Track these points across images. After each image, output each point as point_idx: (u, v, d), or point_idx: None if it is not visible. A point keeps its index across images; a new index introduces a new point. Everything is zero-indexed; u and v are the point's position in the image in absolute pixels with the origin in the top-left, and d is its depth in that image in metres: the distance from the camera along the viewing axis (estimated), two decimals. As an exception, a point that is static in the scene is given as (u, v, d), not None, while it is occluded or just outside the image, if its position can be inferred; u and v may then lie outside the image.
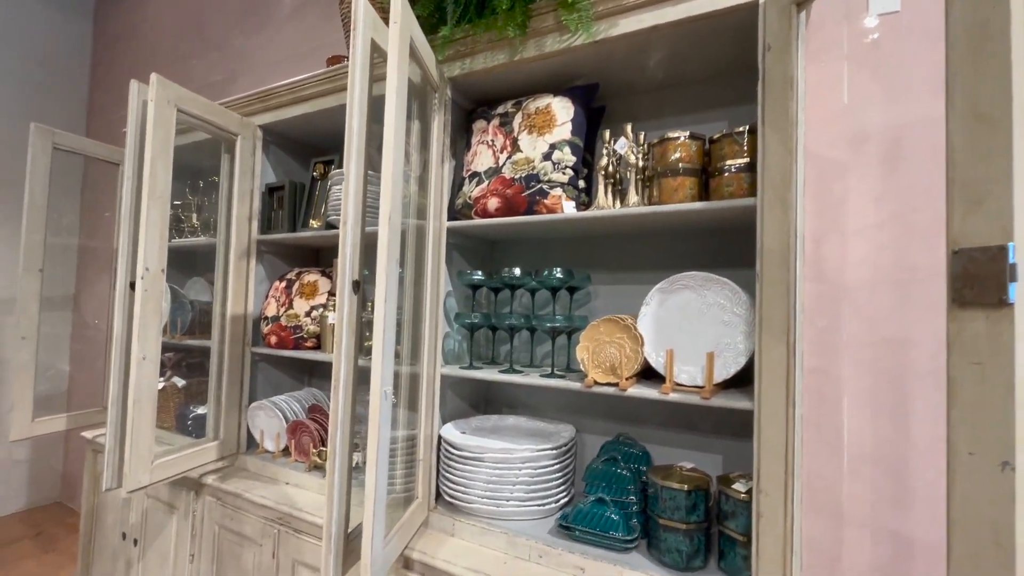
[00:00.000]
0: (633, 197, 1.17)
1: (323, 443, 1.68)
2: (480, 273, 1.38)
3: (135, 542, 1.87)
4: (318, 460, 1.61)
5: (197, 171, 2.16)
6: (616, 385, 1.12)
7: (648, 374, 1.25)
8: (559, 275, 1.26)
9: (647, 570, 1.06)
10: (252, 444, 1.81)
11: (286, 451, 1.76)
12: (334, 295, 1.78)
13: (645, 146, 1.20)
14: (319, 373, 2.07)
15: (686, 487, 1.06)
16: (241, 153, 1.75)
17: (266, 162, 1.87)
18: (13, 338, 1.88)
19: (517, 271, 1.33)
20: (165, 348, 2.25)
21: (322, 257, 2.09)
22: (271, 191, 1.85)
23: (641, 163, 1.19)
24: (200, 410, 1.97)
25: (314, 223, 1.75)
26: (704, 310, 1.12)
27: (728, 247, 1.28)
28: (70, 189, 2.96)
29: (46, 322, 3.00)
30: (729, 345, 1.07)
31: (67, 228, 2.75)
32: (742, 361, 1.05)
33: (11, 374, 1.84)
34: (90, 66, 3.47)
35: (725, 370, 1.06)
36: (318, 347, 1.76)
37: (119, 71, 3.25)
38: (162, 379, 2.10)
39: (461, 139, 1.48)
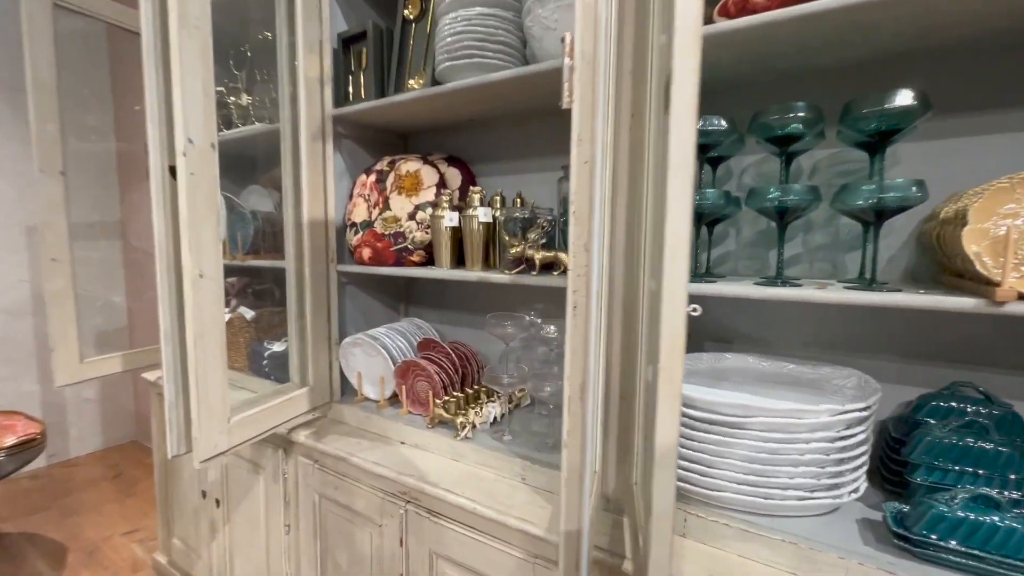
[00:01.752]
0: None
1: (446, 391, 1.24)
2: (721, 121, 0.82)
3: (217, 502, 1.55)
4: (444, 414, 1.17)
5: (240, 36, 1.63)
6: (1078, 299, 0.58)
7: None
8: (906, 102, 0.69)
9: None
10: (346, 389, 1.41)
11: (392, 399, 1.34)
12: (444, 188, 1.27)
13: None
14: (418, 298, 1.62)
15: None
16: (302, -18, 1.20)
17: (334, 4, 1.31)
18: (44, 262, 1.49)
19: (800, 110, 0.76)
20: (226, 271, 1.86)
21: (411, 145, 1.57)
22: (346, 45, 1.31)
23: None
24: (276, 347, 1.58)
25: (413, 83, 1.21)
26: None
27: None
28: (97, 83, 2.47)
29: (95, 249, 2.68)
30: None
31: (97, 129, 2.30)
32: None
33: (46, 307, 1.47)
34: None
35: None
36: (427, 262, 1.28)
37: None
38: (226, 310, 1.71)
39: None
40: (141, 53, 1.01)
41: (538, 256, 1.02)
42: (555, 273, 1.02)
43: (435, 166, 1.31)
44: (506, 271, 1.06)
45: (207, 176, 0.96)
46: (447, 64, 1.09)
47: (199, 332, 0.97)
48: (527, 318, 1.15)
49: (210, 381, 0.99)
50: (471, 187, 1.23)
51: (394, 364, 1.29)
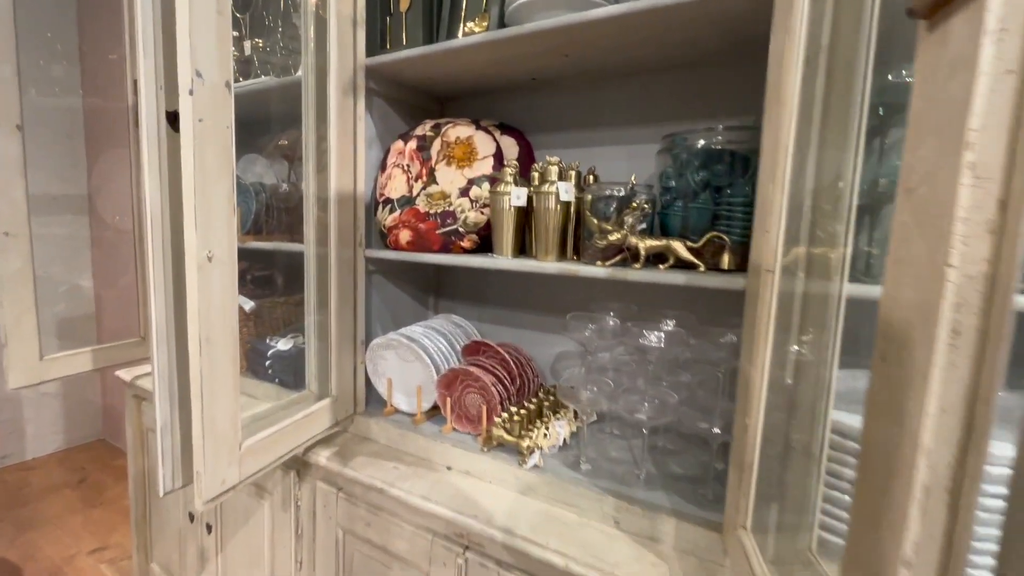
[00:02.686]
0: None
1: (502, 405, 1.02)
2: None
3: (208, 528, 1.31)
4: (506, 436, 0.95)
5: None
6: None
7: None
8: None
9: None
10: (370, 398, 1.18)
11: (431, 412, 1.12)
12: (501, 159, 1.05)
13: None
14: (450, 291, 1.39)
15: None
16: None
17: (369, -71, 1.06)
18: (-4, 237, 1.21)
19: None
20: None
21: (450, 111, 1.33)
22: (383, -21, 1.07)
23: None
24: (280, 345, 1.34)
25: (473, 26, 0.98)
26: None
27: None
28: (62, 29, 2.13)
29: (57, 225, 2.35)
30: None
31: (62, 83, 1.97)
32: None
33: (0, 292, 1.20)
34: None
35: None
36: (479, 248, 1.06)
37: None
38: (220, 300, 1.45)
39: None
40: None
41: (643, 244, 0.81)
42: (662, 267, 0.81)
43: (488, 131, 1.08)
44: (599, 263, 0.85)
45: (220, 125, 0.72)
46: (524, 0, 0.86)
47: (206, 333, 0.73)
48: (610, 319, 0.94)
49: (218, 398, 0.76)
50: (534, 160, 1.02)
51: (437, 371, 1.06)
